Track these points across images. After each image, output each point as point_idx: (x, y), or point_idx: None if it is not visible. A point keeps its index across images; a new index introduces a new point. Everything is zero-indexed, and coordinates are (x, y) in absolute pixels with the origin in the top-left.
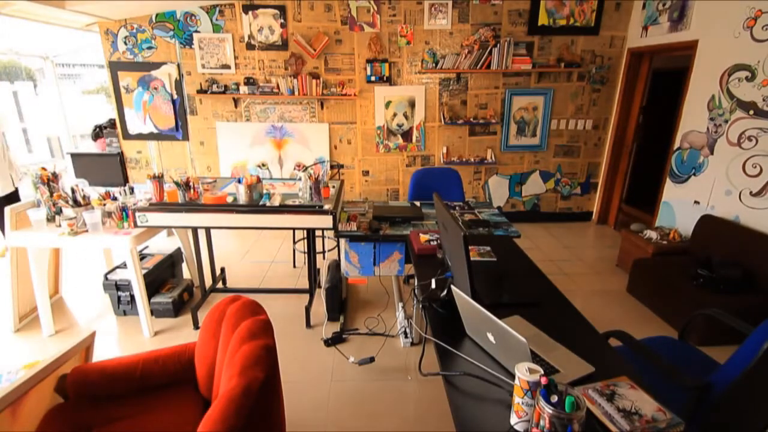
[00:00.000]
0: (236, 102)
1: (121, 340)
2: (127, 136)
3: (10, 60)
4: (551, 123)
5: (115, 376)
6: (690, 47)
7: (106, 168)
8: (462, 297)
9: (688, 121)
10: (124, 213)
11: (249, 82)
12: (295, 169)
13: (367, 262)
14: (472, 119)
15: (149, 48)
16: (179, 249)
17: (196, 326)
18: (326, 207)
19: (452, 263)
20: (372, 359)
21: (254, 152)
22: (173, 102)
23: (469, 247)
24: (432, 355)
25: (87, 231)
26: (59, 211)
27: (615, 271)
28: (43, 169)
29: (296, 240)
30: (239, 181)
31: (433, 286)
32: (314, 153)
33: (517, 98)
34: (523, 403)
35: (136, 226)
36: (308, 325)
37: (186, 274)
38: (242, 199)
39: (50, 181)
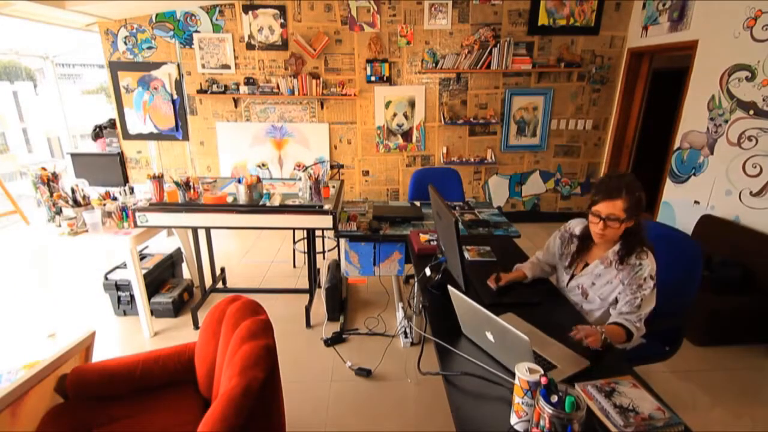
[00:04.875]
0: (236, 102)
1: (121, 340)
2: (127, 136)
3: (10, 60)
4: (551, 123)
5: (115, 376)
6: (690, 47)
7: (106, 168)
8: (459, 297)
9: (688, 121)
10: (124, 213)
11: (249, 82)
12: (295, 169)
13: (367, 262)
14: (472, 119)
15: (149, 48)
16: (179, 249)
17: (196, 326)
18: (326, 207)
19: (446, 251)
20: (369, 372)
21: (254, 152)
22: (173, 102)
23: (469, 247)
24: (432, 355)
25: (87, 231)
26: (59, 211)
27: None
28: (43, 169)
29: (296, 240)
30: (239, 181)
31: (428, 273)
32: (314, 153)
33: (517, 98)
34: (523, 403)
35: (136, 226)
36: (308, 325)
37: (186, 274)
38: (242, 199)
39: (50, 181)
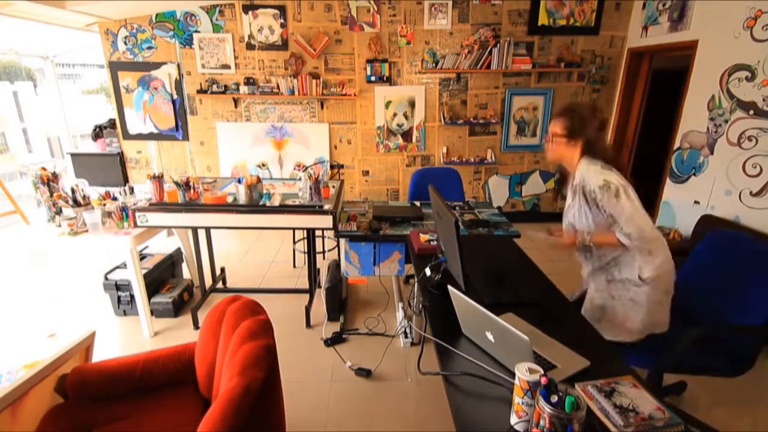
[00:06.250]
0: (236, 102)
1: (121, 340)
2: (127, 136)
3: (10, 60)
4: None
5: (115, 376)
6: (690, 47)
7: (106, 168)
8: (459, 297)
9: (688, 121)
10: (124, 213)
11: (249, 82)
12: (295, 169)
13: (367, 262)
14: (472, 119)
15: (149, 48)
16: (179, 249)
17: (196, 326)
18: (326, 207)
19: (446, 251)
20: (369, 372)
21: (254, 152)
22: (173, 102)
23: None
24: (432, 355)
25: (87, 231)
26: (59, 211)
27: None
28: (43, 169)
29: (296, 240)
30: (239, 181)
31: (428, 273)
32: (314, 153)
33: (517, 98)
34: (523, 403)
35: (136, 226)
36: (308, 325)
37: (186, 274)
38: (242, 199)
39: (50, 181)
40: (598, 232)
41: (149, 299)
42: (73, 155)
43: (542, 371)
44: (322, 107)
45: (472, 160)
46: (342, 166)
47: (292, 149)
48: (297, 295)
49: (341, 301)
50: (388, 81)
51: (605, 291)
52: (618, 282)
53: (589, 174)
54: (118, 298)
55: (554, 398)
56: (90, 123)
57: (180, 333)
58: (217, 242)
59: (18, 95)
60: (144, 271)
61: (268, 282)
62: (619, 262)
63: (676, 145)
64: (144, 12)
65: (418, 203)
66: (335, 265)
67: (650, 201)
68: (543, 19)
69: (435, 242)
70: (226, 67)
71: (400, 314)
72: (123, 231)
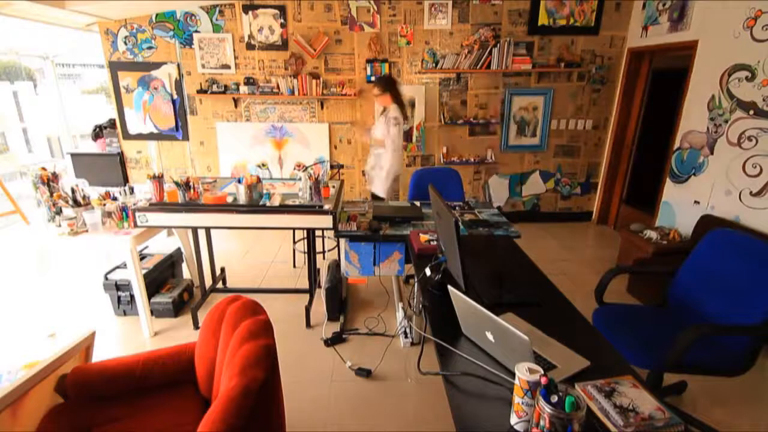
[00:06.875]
0: (236, 102)
1: (121, 340)
2: (127, 136)
3: (10, 60)
4: (551, 123)
5: (115, 376)
6: (690, 47)
7: (106, 168)
8: (459, 297)
9: (688, 121)
10: (124, 213)
11: (249, 82)
12: (295, 169)
13: (367, 262)
14: (472, 119)
15: (149, 48)
16: (179, 249)
17: (196, 326)
18: (326, 207)
19: (447, 251)
20: (369, 372)
21: (254, 152)
22: (173, 102)
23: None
24: (432, 355)
25: (87, 231)
26: (59, 211)
27: None
28: (43, 169)
29: (296, 240)
30: (239, 181)
31: (428, 273)
32: (314, 153)
33: (517, 98)
34: (523, 403)
35: (136, 226)
36: (308, 325)
37: (186, 274)
38: (242, 199)
39: (50, 181)
40: (382, 136)
41: (149, 299)
42: (73, 155)
43: (542, 371)
44: (322, 107)
45: (472, 160)
46: (342, 166)
47: (292, 149)
48: (297, 295)
49: (341, 301)
50: None
51: (379, 159)
52: (381, 158)
53: (393, 111)
54: (118, 298)
55: (554, 398)
56: (90, 123)
57: (180, 333)
58: (217, 242)
59: (18, 95)
60: (144, 271)
61: (268, 282)
62: (383, 153)
63: (676, 145)
64: (144, 12)
65: (418, 203)
66: (335, 265)
67: (650, 201)
68: (543, 19)
69: (435, 242)
70: (226, 67)
71: (400, 314)
72: (123, 231)
